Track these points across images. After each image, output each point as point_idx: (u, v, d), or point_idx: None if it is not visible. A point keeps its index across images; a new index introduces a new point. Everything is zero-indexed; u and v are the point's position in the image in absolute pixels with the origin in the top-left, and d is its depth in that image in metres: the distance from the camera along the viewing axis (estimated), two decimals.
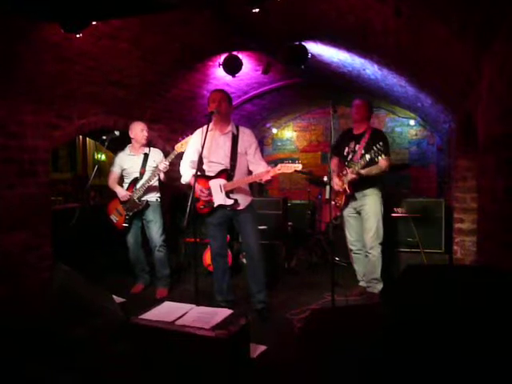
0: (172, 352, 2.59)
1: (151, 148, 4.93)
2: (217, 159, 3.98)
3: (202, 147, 3.65)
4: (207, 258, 5.48)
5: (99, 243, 5.67)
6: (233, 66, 5.36)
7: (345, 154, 4.60)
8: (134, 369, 2.66)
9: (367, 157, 4.07)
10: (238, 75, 5.53)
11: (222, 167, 3.96)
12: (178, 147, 4.39)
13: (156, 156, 4.86)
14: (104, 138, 4.46)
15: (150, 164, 4.80)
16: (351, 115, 4.68)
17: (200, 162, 3.77)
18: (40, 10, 3.06)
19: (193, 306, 3.00)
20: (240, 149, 3.95)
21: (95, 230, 5.68)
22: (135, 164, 4.81)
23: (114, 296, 3.24)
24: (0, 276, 4.19)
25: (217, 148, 3.98)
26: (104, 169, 9.18)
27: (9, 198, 4.30)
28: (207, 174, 4.02)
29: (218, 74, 5.92)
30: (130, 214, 4.75)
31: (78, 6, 2.98)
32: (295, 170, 3.68)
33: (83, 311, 2.75)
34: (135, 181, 4.78)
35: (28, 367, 2.72)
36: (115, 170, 4.90)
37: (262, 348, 3.23)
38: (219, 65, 5.38)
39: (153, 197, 4.86)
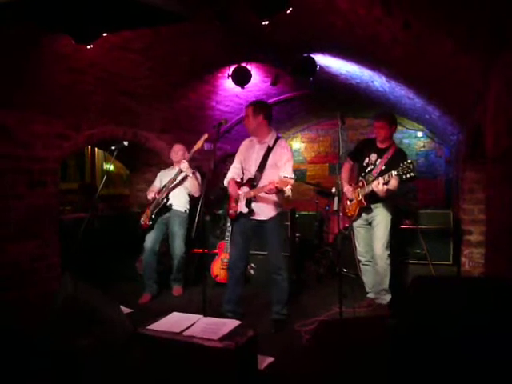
0: (180, 363, 2.59)
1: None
2: (249, 168, 4.13)
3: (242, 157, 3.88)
4: (215, 268, 5.48)
5: (107, 253, 5.69)
6: (242, 78, 5.39)
7: (364, 164, 4.52)
8: (141, 379, 2.66)
9: (394, 173, 3.91)
10: (246, 86, 5.56)
11: (251, 176, 4.08)
12: (196, 146, 4.69)
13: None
14: (113, 148, 4.50)
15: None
16: (375, 133, 4.50)
17: (242, 170, 4.23)
18: (52, 22, 3.10)
19: (200, 316, 3.00)
20: (270, 160, 4.02)
21: (103, 239, 5.71)
22: (169, 175, 5.23)
23: (122, 306, 3.24)
24: (9, 284, 4.21)
25: (251, 157, 4.13)
26: (112, 179, 9.23)
27: (18, 208, 4.33)
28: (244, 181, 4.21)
29: (227, 85, 5.96)
30: (154, 213, 5.06)
31: (90, 18, 3.02)
32: (288, 184, 3.58)
33: (91, 321, 2.76)
34: (164, 187, 5.18)
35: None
36: (155, 184, 5.39)
37: (270, 359, 3.21)
38: (228, 76, 5.41)
39: (181, 207, 5.21)
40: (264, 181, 3.95)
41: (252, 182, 4.03)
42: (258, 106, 4.09)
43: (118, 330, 2.79)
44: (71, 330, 2.73)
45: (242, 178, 4.24)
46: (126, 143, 4.58)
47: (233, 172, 4.26)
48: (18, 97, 4.22)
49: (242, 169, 4.25)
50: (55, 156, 4.74)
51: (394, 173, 3.90)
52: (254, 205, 4.01)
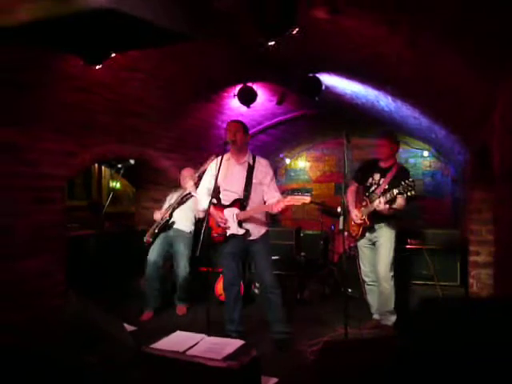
0: (183, 382, 2.56)
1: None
2: (232, 188, 4.04)
3: (217, 176, 3.75)
4: (219, 287, 5.45)
5: (112, 270, 5.68)
6: (247, 97, 5.43)
7: (368, 184, 4.53)
8: None
9: (395, 191, 3.92)
10: (252, 106, 5.60)
11: (236, 196, 4.01)
12: (202, 168, 4.63)
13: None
14: (119, 166, 4.54)
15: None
16: (376, 152, 4.54)
17: (216, 190, 3.94)
18: (61, 44, 3.14)
19: (204, 335, 2.97)
20: (255, 179, 3.99)
21: (108, 257, 5.71)
22: (176, 197, 5.27)
23: (125, 324, 3.22)
24: (15, 302, 4.20)
25: (232, 177, 4.04)
26: (118, 197, 9.27)
27: (25, 226, 4.33)
28: (223, 202, 4.09)
29: (233, 105, 6.00)
30: (157, 230, 5.08)
31: (99, 39, 3.06)
32: (304, 203, 3.62)
33: (95, 339, 2.74)
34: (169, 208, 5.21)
35: None
36: (164, 206, 5.35)
37: (274, 380, 3.17)
38: (234, 96, 5.45)
39: (186, 227, 5.21)
40: (252, 200, 3.96)
41: (242, 203, 3.97)
42: (245, 126, 4.08)
43: (121, 348, 2.77)
44: (78, 347, 2.72)
45: (218, 199, 4.14)
46: (132, 162, 4.62)
47: (206, 194, 4.08)
48: (27, 115, 4.26)
49: (216, 189, 4.03)
50: (62, 174, 4.75)
51: (396, 191, 3.92)
52: (244, 225, 3.97)
